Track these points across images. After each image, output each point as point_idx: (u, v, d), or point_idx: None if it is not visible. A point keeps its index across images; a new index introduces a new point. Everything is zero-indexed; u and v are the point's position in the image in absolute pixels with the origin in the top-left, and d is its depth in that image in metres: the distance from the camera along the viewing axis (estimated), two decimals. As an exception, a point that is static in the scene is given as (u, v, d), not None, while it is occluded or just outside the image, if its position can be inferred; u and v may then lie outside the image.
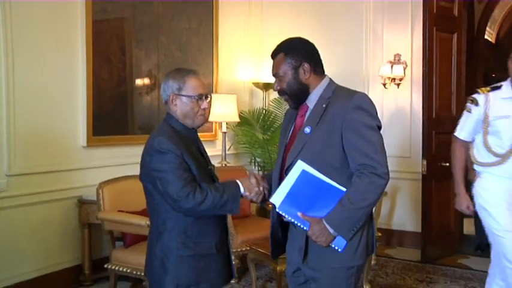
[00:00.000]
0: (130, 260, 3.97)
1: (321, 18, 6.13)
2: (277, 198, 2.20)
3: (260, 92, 6.27)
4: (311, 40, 6.83)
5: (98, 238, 4.58)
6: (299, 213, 2.15)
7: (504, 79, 5.74)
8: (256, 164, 6.09)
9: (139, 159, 4.97)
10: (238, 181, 2.33)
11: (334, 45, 5.91)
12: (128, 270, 3.97)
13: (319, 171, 2.13)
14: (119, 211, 4.06)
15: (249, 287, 4.49)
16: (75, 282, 4.44)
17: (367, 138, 2.11)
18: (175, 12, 5.38)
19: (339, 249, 2.15)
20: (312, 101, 2.26)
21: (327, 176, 2.13)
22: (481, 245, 5.34)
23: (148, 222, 3.76)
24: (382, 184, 2.11)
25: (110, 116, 4.75)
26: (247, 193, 2.30)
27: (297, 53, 2.25)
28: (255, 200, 2.35)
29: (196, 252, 2.30)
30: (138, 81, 5.05)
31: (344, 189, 2.13)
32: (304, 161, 2.14)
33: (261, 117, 6.03)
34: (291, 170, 2.17)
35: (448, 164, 5.25)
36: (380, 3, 5.80)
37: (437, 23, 5.34)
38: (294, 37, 2.37)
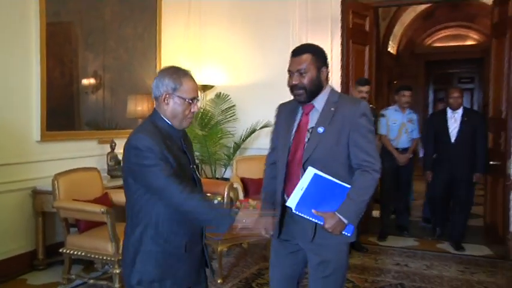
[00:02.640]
0: (84, 245, 4.01)
1: (253, 28, 6.29)
2: (292, 201, 2.30)
3: (198, 93, 6.36)
4: (245, 48, 6.99)
5: (51, 225, 4.57)
6: (313, 211, 2.29)
7: (402, 87, 6.19)
8: (196, 157, 6.19)
9: (87, 153, 5.05)
10: (234, 216, 2.15)
11: (264, 52, 6.12)
12: (82, 254, 4.01)
13: (328, 166, 2.30)
14: (73, 200, 4.08)
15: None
16: (30, 266, 4.40)
17: (369, 139, 2.35)
18: (123, 19, 5.40)
19: (349, 234, 2.34)
20: (319, 102, 2.38)
21: (334, 170, 2.31)
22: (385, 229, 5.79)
23: (103, 209, 3.86)
24: (378, 178, 2.36)
25: (62, 113, 4.73)
26: (242, 218, 2.14)
27: (321, 57, 2.38)
28: (254, 231, 2.23)
29: (164, 249, 2.15)
30: (86, 81, 5.03)
31: (348, 185, 2.32)
32: (317, 157, 2.30)
33: (199, 115, 6.12)
34: (307, 164, 2.30)
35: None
36: (304, 17, 6.00)
37: (352, 37, 5.71)
38: (316, 44, 2.46)
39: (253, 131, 6.00)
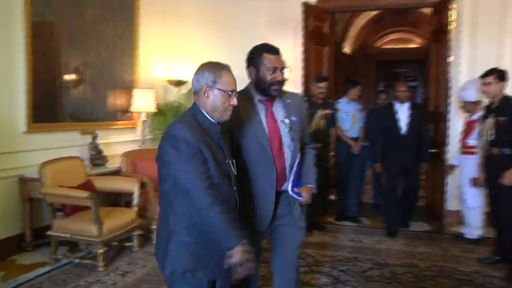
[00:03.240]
0: (70, 227, 4.02)
1: (224, 29, 6.32)
2: (288, 186, 2.37)
3: (172, 88, 6.37)
4: (216, 47, 6.94)
5: (38, 210, 4.50)
6: (296, 189, 2.39)
7: (357, 82, 6.09)
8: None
9: (71, 143, 4.99)
10: (244, 241, 1.90)
11: (233, 51, 5.99)
12: (68, 236, 4.02)
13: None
14: (59, 186, 4.05)
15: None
16: (18, 248, 4.34)
17: None
18: (103, 20, 5.32)
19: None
20: (278, 96, 2.44)
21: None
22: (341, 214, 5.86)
23: (87, 195, 3.86)
24: None
25: (47, 106, 4.65)
26: (234, 258, 1.88)
27: None
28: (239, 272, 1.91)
29: (198, 240, 1.97)
30: (68, 77, 4.94)
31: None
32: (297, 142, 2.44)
33: (174, 108, 6.13)
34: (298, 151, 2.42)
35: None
36: (271, 21, 6.09)
37: (313, 38, 5.82)
38: None
39: (222, 123, 6.04)
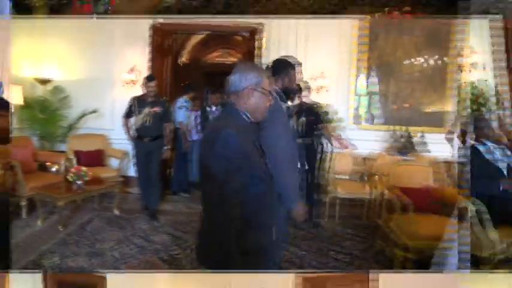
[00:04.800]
0: None
1: (87, 44, 6.20)
2: None
3: (39, 85, 6.12)
4: (78, 52, 6.48)
5: None
6: None
7: (191, 88, 6.20)
8: (37, 135, 5.98)
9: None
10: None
11: (92, 57, 6.19)
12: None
13: None
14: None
15: (36, 219, 4.53)
16: None
17: None
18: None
19: None
20: None
21: None
22: None
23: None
24: None
25: None
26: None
27: None
28: None
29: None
30: None
31: None
32: None
33: (40, 102, 5.93)
34: None
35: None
36: (126, 36, 6.18)
37: (158, 51, 6.21)
38: None
39: (82, 116, 6.08)
